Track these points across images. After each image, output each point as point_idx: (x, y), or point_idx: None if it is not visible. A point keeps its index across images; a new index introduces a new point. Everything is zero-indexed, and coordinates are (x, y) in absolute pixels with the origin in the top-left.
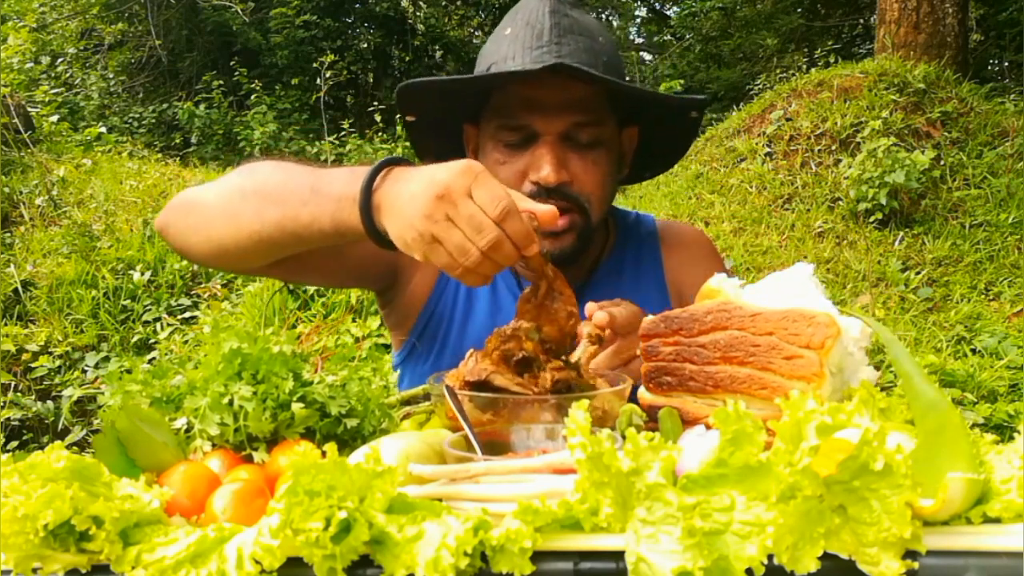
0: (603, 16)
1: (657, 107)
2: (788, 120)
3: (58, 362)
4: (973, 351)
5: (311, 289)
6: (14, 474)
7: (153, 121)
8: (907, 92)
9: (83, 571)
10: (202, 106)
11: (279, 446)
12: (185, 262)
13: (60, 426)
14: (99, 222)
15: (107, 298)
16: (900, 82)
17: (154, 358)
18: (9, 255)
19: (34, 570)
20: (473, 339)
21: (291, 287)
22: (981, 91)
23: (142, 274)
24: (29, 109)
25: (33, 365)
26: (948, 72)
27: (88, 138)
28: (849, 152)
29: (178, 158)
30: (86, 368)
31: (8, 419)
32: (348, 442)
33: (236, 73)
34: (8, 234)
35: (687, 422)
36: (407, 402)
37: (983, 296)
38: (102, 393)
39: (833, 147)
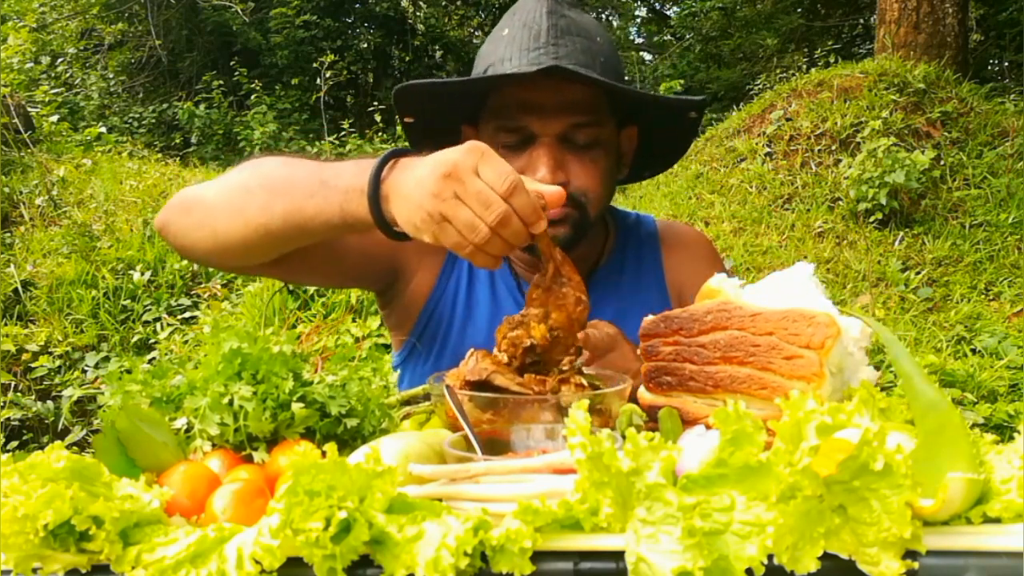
0: (603, 16)
1: (655, 108)
2: (788, 120)
3: (58, 362)
4: (973, 351)
5: (311, 289)
6: (14, 474)
7: (153, 121)
8: (907, 92)
9: (83, 571)
10: (202, 106)
11: (279, 446)
12: (185, 262)
13: (60, 426)
14: (99, 222)
15: (107, 298)
16: (900, 82)
17: (154, 358)
18: (9, 255)
19: (34, 570)
20: (473, 339)
21: (291, 287)
22: (981, 91)
23: (142, 274)
24: (29, 109)
25: (33, 365)
26: (948, 72)
27: (88, 138)
28: (849, 152)
29: (178, 158)
30: (86, 368)
31: (8, 419)
32: (348, 442)
33: (236, 73)
34: (8, 234)
35: (687, 422)
36: (407, 402)
37: (983, 296)
38: (102, 393)
39: (833, 147)
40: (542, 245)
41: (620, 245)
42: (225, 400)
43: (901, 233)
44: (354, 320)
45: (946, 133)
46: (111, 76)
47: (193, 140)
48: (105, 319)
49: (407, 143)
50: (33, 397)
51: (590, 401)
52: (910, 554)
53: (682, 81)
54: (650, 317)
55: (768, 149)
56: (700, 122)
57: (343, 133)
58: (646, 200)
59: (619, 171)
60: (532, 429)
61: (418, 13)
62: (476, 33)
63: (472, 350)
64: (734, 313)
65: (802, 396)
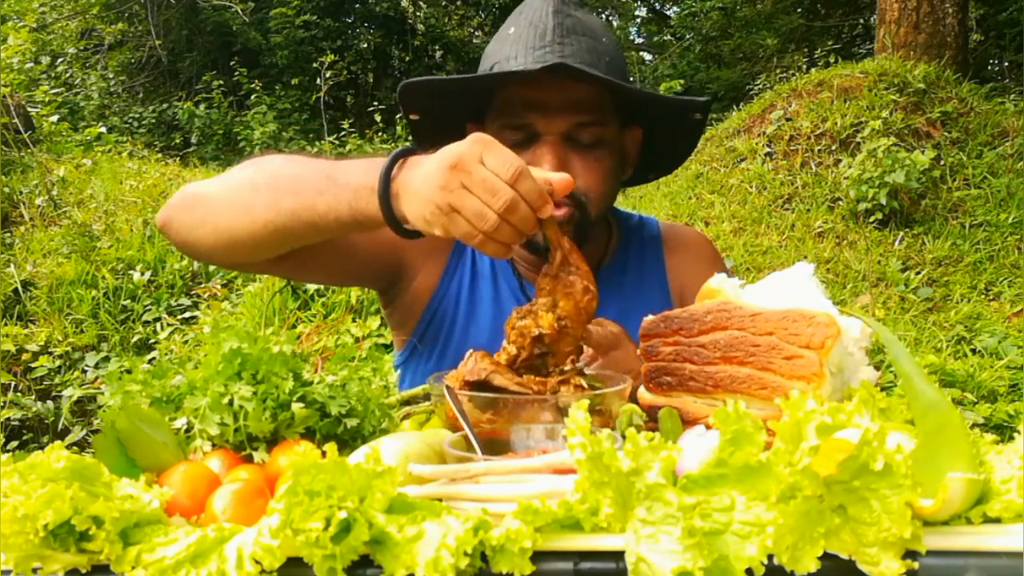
0: (603, 16)
1: (660, 108)
2: (788, 120)
3: (58, 362)
4: (973, 351)
5: (311, 289)
6: (14, 474)
7: (153, 121)
8: (907, 92)
9: (83, 571)
10: (202, 106)
11: (279, 446)
12: (185, 262)
13: (60, 426)
14: (99, 222)
15: (107, 298)
16: (900, 82)
17: (154, 358)
18: (9, 255)
19: (34, 570)
20: (476, 339)
21: (292, 286)
22: (981, 91)
23: (142, 274)
24: (29, 109)
25: (33, 365)
26: (948, 72)
27: (88, 138)
28: (849, 152)
29: (178, 158)
30: (86, 368)
31: (8, 419)
32: (348, 442)
33: (236, 73)
34: (8, 234)
35: (687, 422)
36: (407, 402)
37: (983, 296)
38: (102, 393)
39: (833, 147)
40: (549, 232)
41: (623, 246)
42: (225, 400)
43: (901, 233)
44: (354, 320)
45: (946, 133)
46: (111, 76)
47: (193, 140)
48: (105, 319)
49: (408, 142)
50: (33, 397)
51: (590, 401)
52: (910, 554)
53: (682, 81)
54: (650, 317)
55: (768, 149)
56: (705, 124)
57: (343, 133)
58: (646, 200)
59: (623, 172)
60: (532, 429)
61: (418, 13)
62: (476, 33)
63: (471, 351)
64: (734, 313)
65: (802, 396)
